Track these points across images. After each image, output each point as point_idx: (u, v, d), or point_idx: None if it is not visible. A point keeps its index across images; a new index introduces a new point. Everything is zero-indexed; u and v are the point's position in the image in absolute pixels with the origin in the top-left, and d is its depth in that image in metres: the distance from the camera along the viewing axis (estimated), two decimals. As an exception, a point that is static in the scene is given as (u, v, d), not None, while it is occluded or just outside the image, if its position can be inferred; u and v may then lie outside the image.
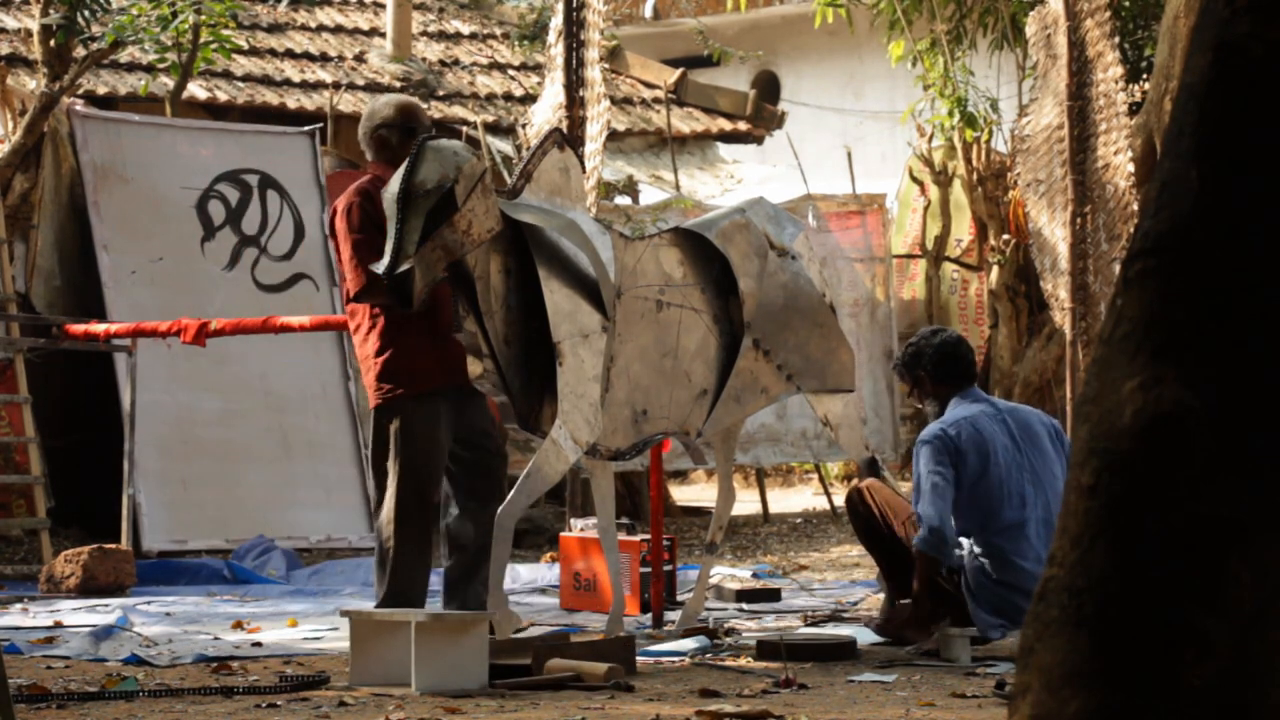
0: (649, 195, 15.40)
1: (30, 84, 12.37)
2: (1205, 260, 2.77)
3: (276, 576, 10.50)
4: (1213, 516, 2.67)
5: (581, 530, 8.96)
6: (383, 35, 15.72)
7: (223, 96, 13.95)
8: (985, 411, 7.44)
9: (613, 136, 13.42)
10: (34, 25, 12.03)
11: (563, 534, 9.26)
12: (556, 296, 7.00)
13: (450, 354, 7.10)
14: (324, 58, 15.14)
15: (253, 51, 14.68)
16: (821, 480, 15.64)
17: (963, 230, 16.01)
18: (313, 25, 15.64)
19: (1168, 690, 2.61)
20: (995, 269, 15.31)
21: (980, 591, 7.26)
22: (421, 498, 7.17)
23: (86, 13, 11.59)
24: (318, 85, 14.61)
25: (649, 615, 8.27)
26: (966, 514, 7.33)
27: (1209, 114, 2.80)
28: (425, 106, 14.57)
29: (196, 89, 13.66)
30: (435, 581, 7.44)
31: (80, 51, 11.82)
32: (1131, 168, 11.03)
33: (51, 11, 11.67)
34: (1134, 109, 12.36)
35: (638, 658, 6.82)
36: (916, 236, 16.22)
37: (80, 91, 12.41)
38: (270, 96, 14.22)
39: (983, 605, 7.25)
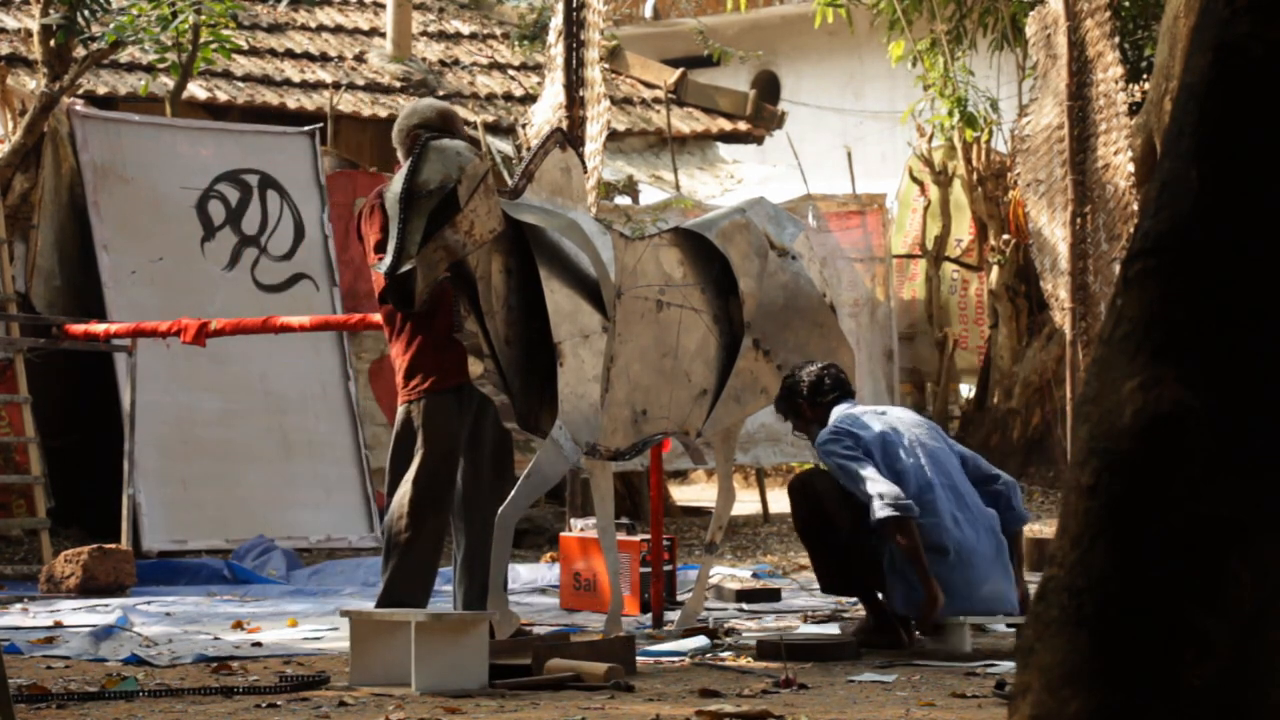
0: (649, 195, 15.41)
1: (30, 84, 12.38)
2: (1205, 260, 2.77)
3: (276, 576, 10.51)
4: (1213, 516, 2.67)
5: (581, 530, 8.96)
6: (383, 35, 15.73)
7: (223, 96, 13.96)
8: (860, 409, 7.58)
9: (613, 136, 13.42)
10: (34, 25, 12.04)
11: (563, 534, 9.26)
12: (557, 297, 7.02)
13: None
14: (324, 58, 15.15)
15: (253, 51, 14.68)
16: (821, 480, 15.63)
17: (963, 230, 16.02)
18: (313, 25, 15.65)
19: (1168, 690, 2.61)
20: (995, 269, 15.31)
21: (905, 567, 7.26)
22: (437, 492, 7.20)
23: (86, 13, 11.59)
24: (318, 85, 14.61)
25: (649, 615, 8.27)
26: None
27: (1209, 114, 2.80)
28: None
29: (196, 89, 13.67)
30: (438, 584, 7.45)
31: (80, 51, 11.83)
32: (1131, 168, 11.03)
33: (51, 11, 11.67)
34: (1134, 109, 12.36)
35: (638, 658, 6.82)
36: (916, 236, 16.22)
37: (80, 91, 12.42)
38: (270, 96, 14.23)
39: (907, 579, 7.26)
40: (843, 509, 7.42)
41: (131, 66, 13.61)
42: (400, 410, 7.33)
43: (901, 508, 7.17)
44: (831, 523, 7.45)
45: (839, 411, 7.52)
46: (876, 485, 7.21)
